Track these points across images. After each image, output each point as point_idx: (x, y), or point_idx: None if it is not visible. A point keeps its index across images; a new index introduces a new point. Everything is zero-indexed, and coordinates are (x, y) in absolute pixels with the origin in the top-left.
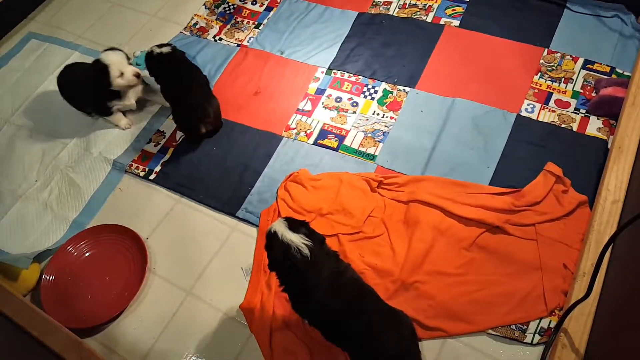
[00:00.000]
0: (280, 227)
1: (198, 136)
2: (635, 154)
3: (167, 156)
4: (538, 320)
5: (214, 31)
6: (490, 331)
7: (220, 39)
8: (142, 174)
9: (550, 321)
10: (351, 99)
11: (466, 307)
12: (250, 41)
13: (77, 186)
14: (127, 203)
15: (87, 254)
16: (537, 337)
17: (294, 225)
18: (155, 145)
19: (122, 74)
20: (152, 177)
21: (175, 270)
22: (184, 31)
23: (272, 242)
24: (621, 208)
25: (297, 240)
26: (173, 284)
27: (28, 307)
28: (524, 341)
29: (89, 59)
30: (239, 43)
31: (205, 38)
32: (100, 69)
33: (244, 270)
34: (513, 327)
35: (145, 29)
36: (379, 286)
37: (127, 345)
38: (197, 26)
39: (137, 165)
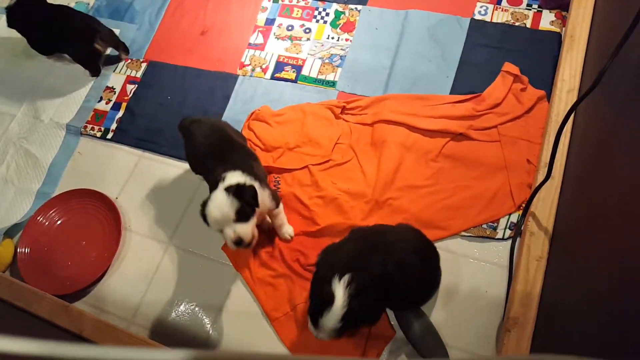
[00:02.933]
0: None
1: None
2: (587, 41)
3: (121, 112)
4: (507, 216)
5: None
6: (463, 233)
7: None
8: (98, 134)
9: (519, 215)
10: (303, 25)
11: (439, 215)
12: None
13: (33, 156)
14: (89, 166)
15: (58, 222)
16: (508, 232)
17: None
18: (106, 103)
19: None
20: (109, 136)
21: (152, 225)
22: None
23: None
24: (577, 96)
25: None
26: (152, 238)
27: (7, 281)
28: (496, 237)
29: None
30: None
31: None
32: None
33: None
34: (484, 226)
35: None
36: (354, 208)
37: (117, 302)
38: None
39: (92, 126)
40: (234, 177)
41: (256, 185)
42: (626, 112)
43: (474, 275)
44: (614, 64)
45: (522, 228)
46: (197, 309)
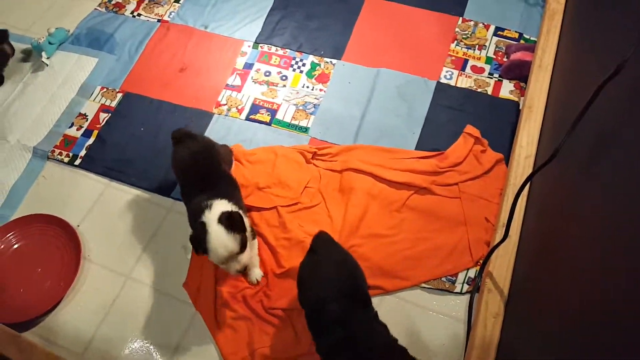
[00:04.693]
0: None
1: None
2: (543, 112)
3: (92, 139)
4: (466, 271)
5: (131, 6)
6: (423, 285)
7: (139, 15)
8: (66, 159)
9: (476, 271)
10: (280, 72)
11: (399, 264)
12: (171, 16)
13: None
14: (52, 191)
15: (15, 246)
16: (466, 286)
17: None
18: (77, 129)
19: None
20: (77, 162)
21: (112, 256)
22: (98, 7)
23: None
24: (533, 162)
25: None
26: (111, 270)
27: None
28: (454, 291)
29: None
30: (160, 18)
31: (123, 14)
32: None
33: (185, 249)
34: (444, 279)
35: (57, 6)
36: None
37: (68, 335)
38: (113, 2)
39: (60, 151)
40: (221, 206)
41: (241, 213)
42: (578, 182)
43: (432, 327)
44: (568, 138)
45: (480, 284)
46: (151, 347)
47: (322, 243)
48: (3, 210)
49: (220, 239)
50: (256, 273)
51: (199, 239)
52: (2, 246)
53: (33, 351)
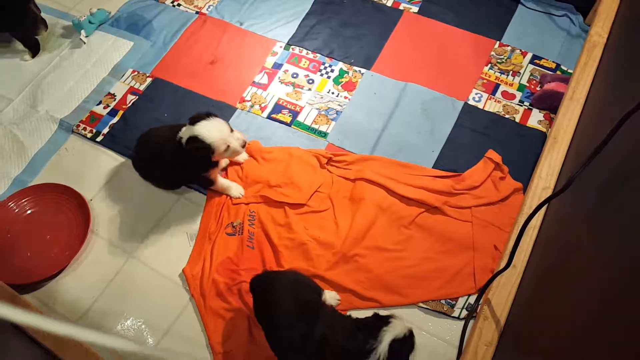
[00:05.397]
0: None
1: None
2: (568, 145)
3: (116, 119)
4: (467, 297)
5: None
6: (421, 304)
7: (179, 5)
8: (89, 135)
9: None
10: (307, 75)
11: (400, 281)
12: (209, 9)
13: (20, 143)
14: (72, 163)
15: (28, 212)
16: (464, 312)
17: None
18: (104, 107)
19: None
20: (99, 139)
21: (119, 233)
22: None
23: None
24: (550, 194)
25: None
26: (115, 246)
27: None
28: (452, 315)
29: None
30: (198, 10)
31: (163, 2)
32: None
33: (189, 235)
34: (443, 301)
35: None
36: (321, 258)
37: (66, 303)
38: None
39: (84, 126)
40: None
41: None
42: (589, 219)
43: (424, 348)
44: (585, 172)
45: (476, 311)
46: (143, 326)
47: (257, 284)
48: (23, 176)
49: (208, 127)
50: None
51: (193, 141)
52: (17, 210)
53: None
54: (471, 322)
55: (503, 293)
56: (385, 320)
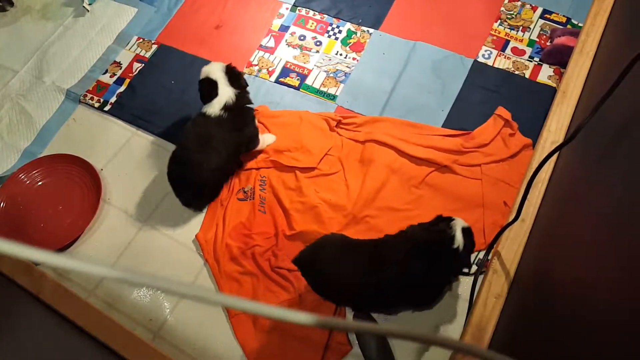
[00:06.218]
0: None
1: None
2: (577, 98)
3: (123, 87)
4: (477, 253)
5: None
6: None
7: None
8: (96, 104)
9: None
10: (315, 37)
11: None
12: None
13: (28, 115)
14: (81, 133)
15: (39, 183)
16: (475, 268)
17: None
18: (111, 76)
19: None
20: (107, 108)
21: (131, 202)
22: None
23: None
24: None
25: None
26: (128, 215)
27: None
28: (463, 272)
29: None
30: None
31: None
32: None
33: None
34: None
35: None
36: (332, 220)
37: (81, 272)
38: None
39: (91, 95)
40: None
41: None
42: (596, 168)
43: (437, 305)
44: (592, 122)
45: (485, 264)
46: (159, 292)
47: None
48: (33, 147)
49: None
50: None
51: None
52: (28, 182)
53: (42, 281)
54: (481, 277)
55: (512, 246)
56: (449, 218)
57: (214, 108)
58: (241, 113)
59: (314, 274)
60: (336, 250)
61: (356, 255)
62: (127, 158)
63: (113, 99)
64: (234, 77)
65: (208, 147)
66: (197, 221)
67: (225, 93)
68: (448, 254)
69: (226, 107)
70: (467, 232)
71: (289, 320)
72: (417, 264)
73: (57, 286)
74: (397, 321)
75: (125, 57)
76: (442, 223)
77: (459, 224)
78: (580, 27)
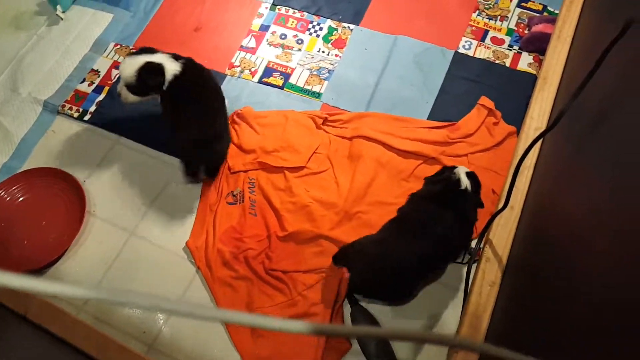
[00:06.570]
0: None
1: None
2: (558, 84)
3: (103, 95)
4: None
5: None
6: None
7: None
8: (76, 114)
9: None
10: (296, 36)
11: None
12: None
13: (4, 129)
14: (61, 145)
15: (20, 199)
16: (467, 257)
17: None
18: (89, 85)
19: None
20: (87, 117)
21: (117, 212)
22: None
23: None
24: None
25: None
26: (115, 225)
27: None
28: (456, 261)
29: None
30: None
31: None
32: None
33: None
34: None
35: None
36: (324, 218)
37: (62, 295)
38: None
39: (70, 105)
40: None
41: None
42: (580, 150)
43: (430, 296)
44: (573, 106)
45: (478, 253)
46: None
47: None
48: (12, 162)
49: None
50: None
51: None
52: (8, 198)
53: (30, 300)
54: (475, 265)
55: (503, 233)
56: (452, 167)
57: None
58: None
59: (357, 261)
60: (371, 241)
61: (390, 237)
62: (111, 167)
63: (92, 108)
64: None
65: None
66: (187, 228)
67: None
68: (459, 196)
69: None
70: (471, 174)
71: (285, 330)
72: (444, 216)
73: (44, 304)
74: (394, 313)
75: (103, 64)
76: (446, 172)
77: (461, 170)
78: (557, 14)
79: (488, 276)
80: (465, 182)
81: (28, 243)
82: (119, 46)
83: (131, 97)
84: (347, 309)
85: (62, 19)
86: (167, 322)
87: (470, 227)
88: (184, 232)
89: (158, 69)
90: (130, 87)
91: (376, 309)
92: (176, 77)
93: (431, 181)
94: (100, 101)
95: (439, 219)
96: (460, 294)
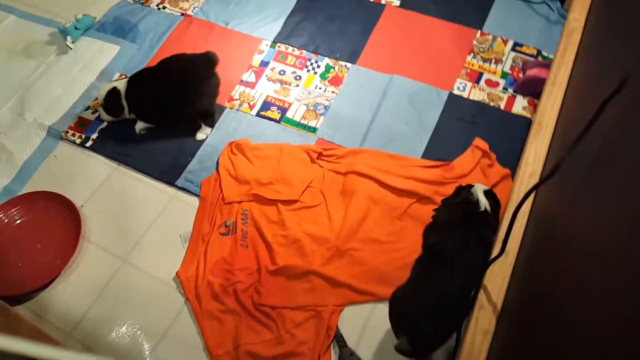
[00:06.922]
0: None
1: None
2: (553, 129)
3: (105, 123)
4: None
5: None
6: None
7: (164, 7)
8: (78, 141)
9: None
10: (294, 72)
11: (396, 272)
12: (194, 10)
13: (8, 152)
14: (62, 170)
15: (18, 221)
16: None
17: None
18: (93, 113)
19: None
20: (88, 144)
21: (111, 239)
22: None
23: None
24: (538, 179)
25: None
26: (108, 252)
27: None
28: None
29: (26, 24)
30: (183, 12)
31: (148, 6)
32: None
33: (182, 238)
34: None
35: None
36: (315, 253)
37: (59, 312)
38: None
39: (73, 132)
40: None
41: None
42: (576, 201)
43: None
44: (571, 155)
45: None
46: (139, 332)
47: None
48: (12, 185)
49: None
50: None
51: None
52: (6, 220)
53: (19, 323)
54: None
55: (497, 280)
56: (468, 186)
57: None
58: None
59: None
60: (408, 285)
61: (425, 276)
62: (108, 194)
63: (94, 135)
64: None
65: None
66: (178, 257)
67: None
68: (479, 218)
69: None
70: (489, 193)
71: None
72: (471, 240)
73: (33, 329)
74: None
75: None
76: (463, 192)
77: (479, 188)
78: (551, 58)
79: (481, 324)
80: (484, 203)
81: (22, 265)
82: (123, 76)
83: (106, 117)
84: (335, 350)
85: (71, 49)
86: (153, 352)
87: (490, 251)
88: (175, 261)
89: (116, 93)
90: (103, 108)
91: (365, 352)
92: (126, 93)
93: (449, 206)
94: (102, 129)
95: (464, 247)
96: (452, 343)
